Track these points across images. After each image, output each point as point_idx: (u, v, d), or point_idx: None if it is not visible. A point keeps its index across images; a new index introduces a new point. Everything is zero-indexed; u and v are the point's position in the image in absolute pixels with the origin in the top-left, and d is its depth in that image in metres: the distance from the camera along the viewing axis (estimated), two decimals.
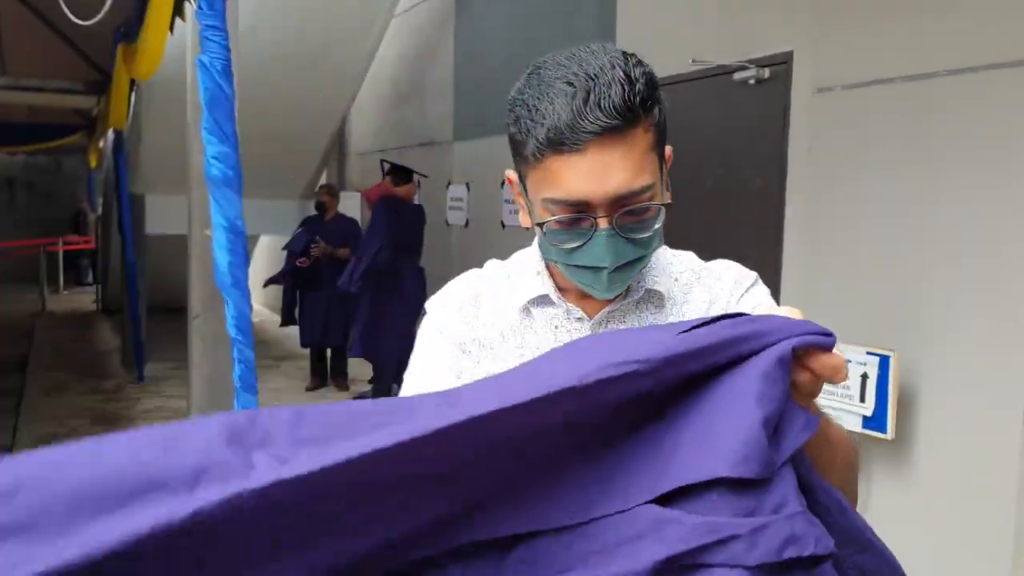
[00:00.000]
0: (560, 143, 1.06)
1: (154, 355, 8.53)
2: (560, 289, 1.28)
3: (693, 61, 4.33)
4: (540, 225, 1.15)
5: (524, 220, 1.24)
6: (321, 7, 7.44)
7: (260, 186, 8.97)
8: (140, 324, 8.33)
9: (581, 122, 1.04)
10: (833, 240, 3.83)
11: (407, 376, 1.32)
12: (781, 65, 4.09)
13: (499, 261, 1.39)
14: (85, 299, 14.34)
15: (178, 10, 3.59)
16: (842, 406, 3.40)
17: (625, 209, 1.10)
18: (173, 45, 4.40)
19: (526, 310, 1.29)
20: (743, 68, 4.21)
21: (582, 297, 1.27)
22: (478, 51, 7.05)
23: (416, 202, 7.18)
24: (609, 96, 1.04)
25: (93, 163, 12.25)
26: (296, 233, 8.01)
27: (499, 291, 1.31)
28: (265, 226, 9.92)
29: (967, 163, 3.27)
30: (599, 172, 1.06)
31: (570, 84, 1.05)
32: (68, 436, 6.46)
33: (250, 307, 2.98)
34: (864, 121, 3.68)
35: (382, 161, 7.22)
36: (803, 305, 3.58)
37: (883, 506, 3.61)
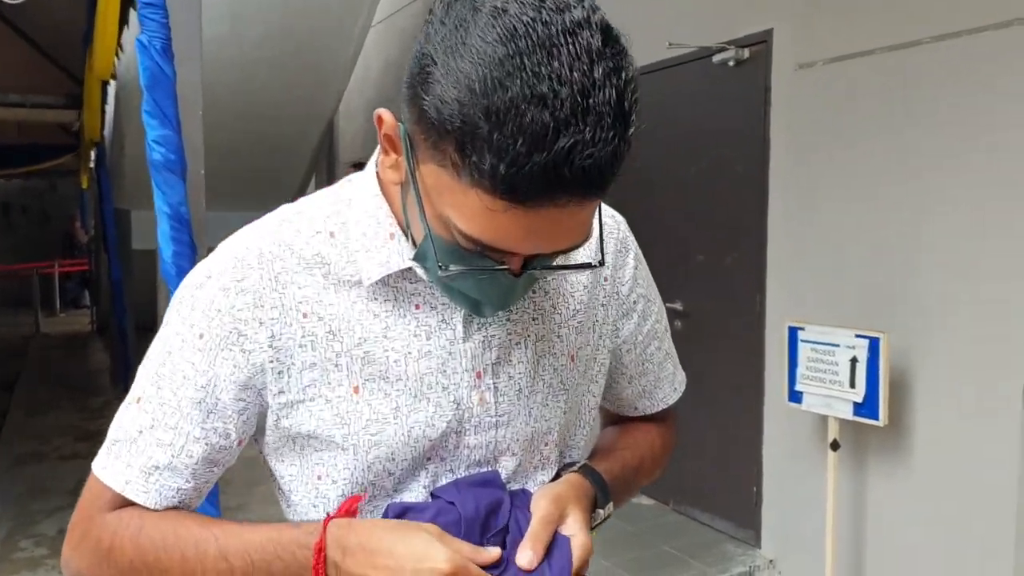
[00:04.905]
0: (519, 199, 0.75)
1: None
2: None
3: (670, 45, 4.18)
4: (432, 236, 0.85)
5: (394, 175, 0.89)
6: (300, 9, 7.34)
7: (249, 195, 8.89)
8: (127, 341, 8.19)
9: (557, 186, 0.74)
10: (818, 220, 3.67)
11: (148, 383, 0.97)
12: (761, 44, 3.94)
13: (295, 209, 0.99)
14: (82, 320, 14.21)
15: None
16: (831, 392, 3.22)
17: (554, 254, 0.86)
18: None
19: (372, 290, 0.95)
20: (722, 49, 4.06)
21: None
22: None
23: None
24: (600, 156, 0.74)
25: (84, 183, 12.14)
26: None
27: (316, 260, 0.95)
28: None
29: (956, 132, 3.11)
30: (548, 232, 0.80)
31: (547, 106, 0.72)
32: (51, 454, 6.33)
33: None
34: (847, 95, 3.52)
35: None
36: (788, 287, 3.42)
37: (879, 496, 3.43)
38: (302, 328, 0.93)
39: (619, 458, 1.13)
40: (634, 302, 1.13)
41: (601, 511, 1.04)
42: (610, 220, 1.12)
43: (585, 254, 1.04)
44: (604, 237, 1.06)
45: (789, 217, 3.83)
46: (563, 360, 1.04)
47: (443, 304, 0.96)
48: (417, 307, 0.96)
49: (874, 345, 3.12)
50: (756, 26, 3.95)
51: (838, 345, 3.23)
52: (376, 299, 0.95)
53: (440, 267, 0.84)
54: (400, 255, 0.94)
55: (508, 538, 0.92)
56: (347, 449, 0.95)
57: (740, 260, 4.12)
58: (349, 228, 0.96)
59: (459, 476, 0.98)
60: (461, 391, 0.97)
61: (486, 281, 0.86)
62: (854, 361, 3.18)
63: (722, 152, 4.21)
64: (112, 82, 6.03)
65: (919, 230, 3.24)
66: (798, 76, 3.75)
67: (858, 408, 3.18)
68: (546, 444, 1.04)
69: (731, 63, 4.05)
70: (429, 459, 0.98)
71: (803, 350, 3.35)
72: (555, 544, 0.92)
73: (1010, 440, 2.95)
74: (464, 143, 0.74)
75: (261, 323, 0.93)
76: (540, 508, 0.94)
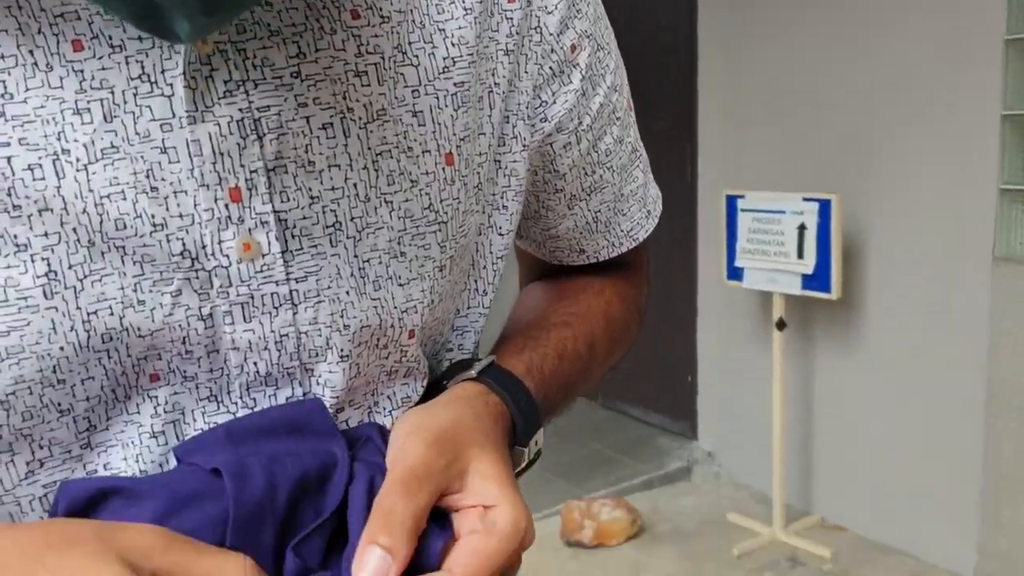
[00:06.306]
0: None
1: None
2: None
3: None
4: None
5: None
6: None
7: None
8: None
9: None
10: (754, 73, 3.24)
11: None
12: None
13: None
14: None
15: None
16: (776, 266, 2.85)
17: None
18: None
19: None
20: None
21: None
22: None
23: None
24: None
25: None
26: None
27: None
28: None
29: None
30: None
31: None
32: None
33: None
34: None
35: None
36: (725, 151, 2.86)
37: (830, 378, 3.11)
38: None
39: (553, 345, 0.62)
40: (572, 49, 0.58)
41: (524, 449, 0.56)
42: None
43: None
44: None
45: (721, 72, 3.39)
46: (430, 161, 0.52)
47: (138, 37, 0.42)
48: (78, 46, 0.42)
49: (824, 209, 2.74)
50: None
51: (784, 212, 2.84)
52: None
53: None
54: None
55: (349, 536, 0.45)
56: None
57: (667, 126, 3.69)
58: None
59: (231, 411, 0.48)
60: (198, 231, 0.45)
61: None
62: (802, 228, 2.80)
63: (642, 1, 3.73)
64: None
65: (871, 77, 2.83)
66: None
67: (807, 281, 2.81)
68: (408, 332, 0.53)
69: None
70: (155, 379, 0.46)
71: (744, 221, 2.95)
72: (433, 535, 0.45)
73: (977, 310, 2.62)
74: None
75: None
76: (405, 456, 0.45)
